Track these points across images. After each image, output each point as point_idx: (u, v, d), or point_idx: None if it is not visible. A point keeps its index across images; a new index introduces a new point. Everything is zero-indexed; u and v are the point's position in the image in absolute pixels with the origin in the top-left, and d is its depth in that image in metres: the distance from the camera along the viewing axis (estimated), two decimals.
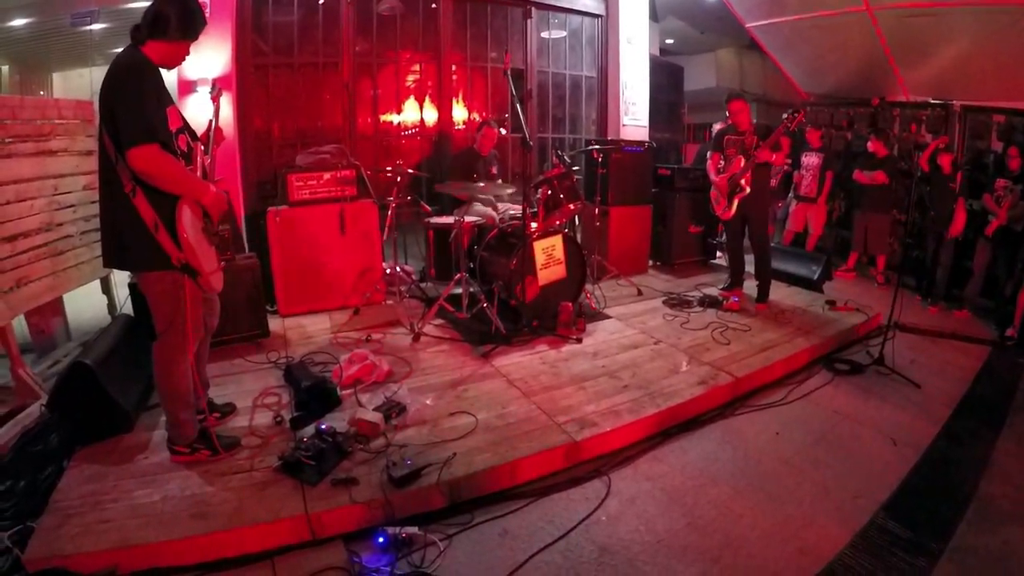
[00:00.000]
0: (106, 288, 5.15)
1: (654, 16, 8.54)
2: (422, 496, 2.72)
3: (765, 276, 5.51)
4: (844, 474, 3.13)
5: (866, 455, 3.33)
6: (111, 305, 5.19)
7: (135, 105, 2.43)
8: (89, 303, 5.22)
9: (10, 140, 4.03)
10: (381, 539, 2.48)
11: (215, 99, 3.15)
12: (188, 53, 2.74)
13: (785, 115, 4.88)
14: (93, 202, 4.81)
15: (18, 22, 8.16)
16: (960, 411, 3.95)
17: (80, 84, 9.54)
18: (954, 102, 7.34)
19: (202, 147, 2.93)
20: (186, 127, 2.80)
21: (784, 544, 2.62)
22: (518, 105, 4.45)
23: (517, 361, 4.16)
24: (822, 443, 3.41)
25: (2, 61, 9.89)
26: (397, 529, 2.52)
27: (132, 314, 4.03)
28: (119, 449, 3.06)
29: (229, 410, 3.42)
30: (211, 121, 3.06)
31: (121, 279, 5.12)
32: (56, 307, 4.81)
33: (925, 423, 3.71)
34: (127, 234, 2.57)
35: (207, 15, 2.81)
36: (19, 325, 4.25)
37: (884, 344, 4.50)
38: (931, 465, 3.27)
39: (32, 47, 9.40)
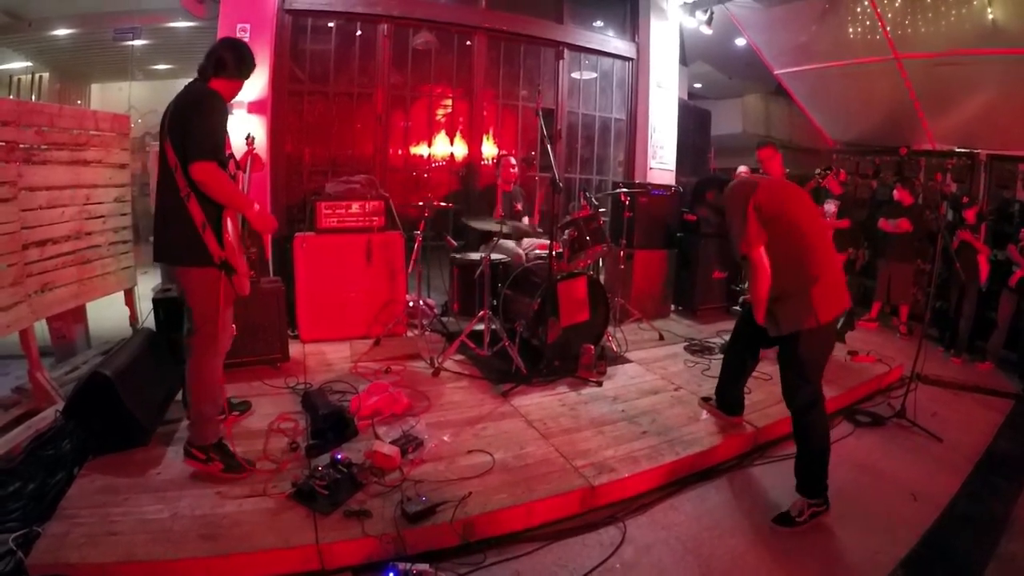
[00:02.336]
0: (130, 300, 5.17)
1: (683, 60, 8.62)
2: (435, 533, 2.67)
3: None
4: (863, 529, 3.05)
5: (886, 510, 3.23)
6: (133, 317, 5.21)
7: (209, 127, 2.85)
8: (112, 313, 5.25)
9: (46, 147, 4.12)
10: (391, 574, 2.41)
11: (250, 144, 3.68)
12: (241, 88, 3.18)
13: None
14: (124, 214, 4.90)
15: (61, 32, 8.39)
16: (982, 466, 3.85)
17: (119, 97, 9.75)
18: (979, 151, 7.31)
19: (241, 172, 3.26)
20: (232, 155, 3.12)
21: None
22: (548, 145, 4.46)
23: (537, 401, 4.11)
24: (841, 496, 3.26)
25: (43, 68, 10.13)
26: (408, 565, 2.45)
27: (154, 328, 4.05)
28: (132, 462, 3.05)
29: (245, 408, 3.62)
30: (246, 155, 3.53)
31: (144, 292, 5.17)
32: (79, 314, 4.86)
33: (946, 478, 3.61)
34: (178, 232, 2.88)
35: (247, 39, 3.07)
36: (40, 328, 4.27)
37: (906, 396, 4.41)
38: (951, 521, 3.18)
39: (73, 57, 9.70)
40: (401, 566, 2.44)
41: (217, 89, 2.98)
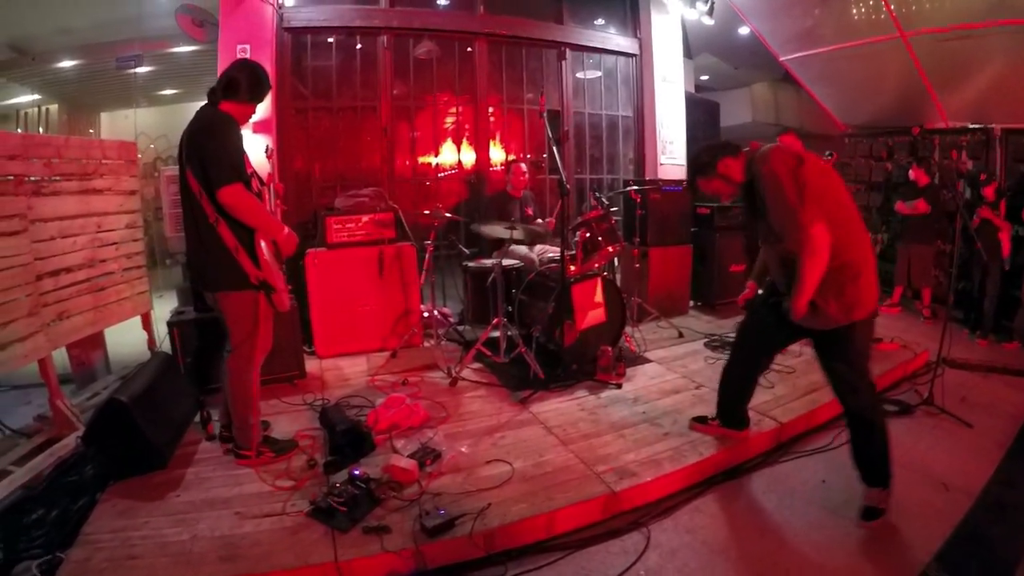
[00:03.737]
0: (146, 324, 5.21)
1: (688, 53, 8.55)
2: (455, 547, 2.63)
3: None
4: (895, 522, 2.95)
5: (917, 502, 3.13)
6: (150, 341, 5.24)
7: (224, 151, 2.85)
8: (130, 338, 5.28)
9: (56, 178, 4.14)
10: None
11: (270, 157, 3.96)
12: (254, 112, 3.18)
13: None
14: (136, 240, 4.92)
15: (66, 63, 8.51)
16: (1013, 451, 3.72)
17: (127, 125, 9.88)
18: (994, 126, 7.15)
19: (266, 189, 3.28)
20: (254, 172, 3.12)
21: None
22: (555, 147, 4.42)
23: (555, 407, 4.06)
24: None
25: (51, 100, 10.32)
26: None
27: (169, 352, 4.07)
28: (152, 485, 3.06)
29: (264, 427, 3.61)
30: (270, 174, 3.69)
31: (161, 315, 5.19)
32: (97, 340, 4.90)
33: (977, 465, 3.49)
34: (211, 257, 2.95)
35: (248, 57, 3.05)
36: (60, 356, 4.30)
37: (933, 382, 4.31)
38: (984, 511, 3.07)
39: (80, 88, 9.81)
40: None
41: (228, 112, 2.99)
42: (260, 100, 3.14)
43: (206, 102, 3.04)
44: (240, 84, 3.00)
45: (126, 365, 5.07)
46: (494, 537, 2.70)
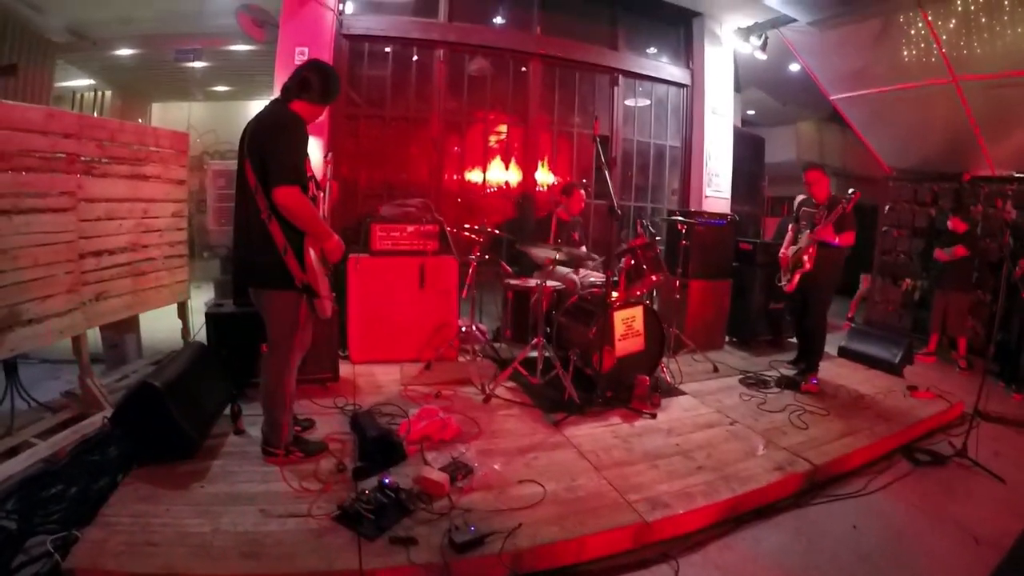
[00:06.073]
0: (182, 313, 5.21)
1: (736, 87, 8.51)
2: (482, 565, 2.55)
3: (810, 359, 5.36)
4: (924, 574, 2.92)
5: (947, 554, 3.09)
6: (185, 330, 5.24)
7: (289, 151, 2.85)
8: (163, 325, 5.29)
9: (107, 160, 4.20)
10: None
11: (329, 163, 4.04)
12: (323, 114, 3.19)
13: (850, 190, 4.79)
14: (180, 229, 4.95)
15: (124, 52, 8.69)
16: None
17: (178, 116, 10.09)
18: None
19: (321, 193, 3.28)
20: (312, 176, 3.10)
21: None
22: (606, 172, 4.37)
23: (589, 432, 3.96)
24: (902, 539, 3.19)
25: (106, 86, 10.57)
26: None
27: (205, 342, 4.05)
28: (176, 474, 3.01)
29: (308, 424, 3.68)
30: (325, 177, 3.81)
31: (197, 306, 5.20)
32: (132, 324, 4.91)
33: (1009, 520, 3.41)
34: (259, 255, 2.93)
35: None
36: (93, 336, 4.31)
37: (968, 435, 4.21)
38: (1014, 566, 3.01)
39: (135, 76, 10.05)
40: None
41: (298, 111, 2.98)
42: (330, 102, 3.15)
43: (276, 98, 3.05)
44: (313, 84, 2.99)
45: (158, 351, 5.08)
46: (522, 558, 2.62)
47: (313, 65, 3.09)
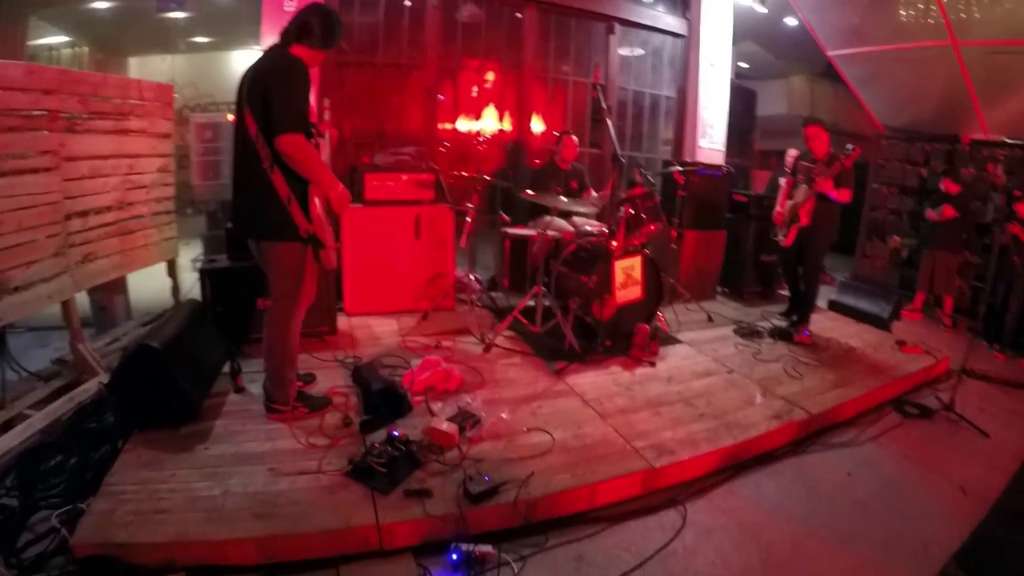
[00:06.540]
0: (172, 271, 5.10)
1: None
2: (497, 514, 2.56)
3: (802, 311, 5.43)
4: (915, 520, 3.03)
5: (936, 502, 3.22)
6: (175, 289, 5.13)
7: (292, 97, 2.74)
8: (152, 284, 5.18)
9: (89, 116, 4.02)
10: (455, 556, 2.33)
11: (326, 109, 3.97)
12: (322, 60, 3.09)
13: (848, 146, 4.77)
14: (167, 184, 4.80)
15: (101, 4, 8.31)
16: None
17: (160, 69, 9.74)
18: None
19: (321, 139, 3.14)
20: (314, 123, 2.98)
21: None
22: (608, 119, 4.28)
23: (591, 380, 3.97)
24: (894, 487, 3.33)
25: (83, 42, 10.16)
26: (471, 546, 2.35)
27: (199, 300, 3.95)
28: (179, 436, 2.94)
29: (310, 379, 3.61)
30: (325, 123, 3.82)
31: (184, 264, 5.08)
32: (120, 285, 4.79)
33: (993, 474, 3.55)
34: (261, 206, 2.83)
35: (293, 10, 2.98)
36: (80, 299, 4.19)
37: (956, 390, 4.31)
38: (1000, 517, 3.13)
39: (112, 30, 9.63)
40: (464, 547, 2.36)
41: (299, 56, 2.87)
42: (332, 47, 3.04)
43: (275, 43, 2.94)
44: (314, 28, 2.88)
45: (147, 312, 4.98)
46: (536, 506, 2.64)
47: (314, 8, 2.96)
